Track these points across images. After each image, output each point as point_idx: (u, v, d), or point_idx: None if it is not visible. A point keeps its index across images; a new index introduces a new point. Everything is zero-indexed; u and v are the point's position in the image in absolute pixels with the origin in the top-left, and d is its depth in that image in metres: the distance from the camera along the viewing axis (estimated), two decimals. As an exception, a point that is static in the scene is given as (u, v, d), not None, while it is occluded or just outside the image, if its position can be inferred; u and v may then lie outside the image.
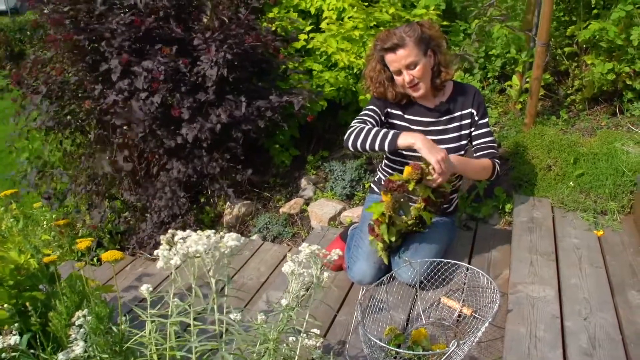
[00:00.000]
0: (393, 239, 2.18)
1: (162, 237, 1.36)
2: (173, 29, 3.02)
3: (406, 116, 2.35)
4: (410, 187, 2.05)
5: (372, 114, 2.32)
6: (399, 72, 2.20)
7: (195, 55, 3.04)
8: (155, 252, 1.38)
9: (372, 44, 2.28)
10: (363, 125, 2.20)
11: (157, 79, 2.86)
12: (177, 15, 3.12)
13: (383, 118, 2.35)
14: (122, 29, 2.90)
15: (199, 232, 1.39)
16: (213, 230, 1.39)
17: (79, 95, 3.17)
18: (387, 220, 2.15)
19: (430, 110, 2.34)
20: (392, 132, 2.10)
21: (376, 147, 2.10)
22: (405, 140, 2.05)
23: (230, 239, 1.37)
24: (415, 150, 2.06)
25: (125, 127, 3.07)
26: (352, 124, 2.24)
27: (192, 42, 3.03)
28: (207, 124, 2.93)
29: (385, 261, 2.25)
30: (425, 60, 2.18)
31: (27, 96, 3.18)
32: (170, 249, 1.33)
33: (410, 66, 2.16)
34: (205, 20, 3.06)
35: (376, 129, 2.15)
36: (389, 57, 2.19)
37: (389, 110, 2.36)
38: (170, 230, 1.39)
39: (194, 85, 3.01)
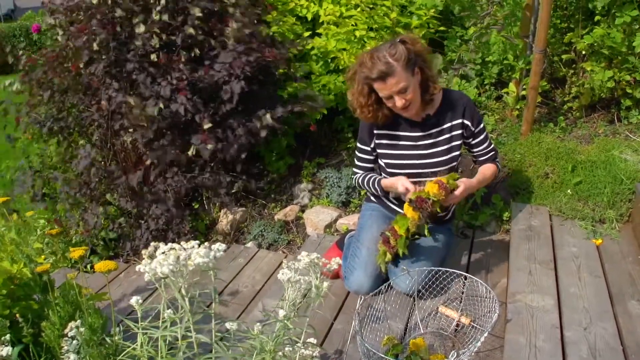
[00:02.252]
0: (407, 252, 2.17)
1: (143, 251, 1.30)
2: (196, 37, 3.04)
3: (392, 133, 2.28)
4: (437, 207, 2.06)
5: (363, 156, 2.40)
6: (390, 97, 2.09)
7: (209, 64, 3.04)
8: (137, 268, 1.31)
9: (355, 67, 2.14)
10: (359, 174, 2.44)
11: (183, 88, 2.90)
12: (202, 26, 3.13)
13: (374, 153, 2.36)
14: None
15: (182, 243, 1.32)
16: (197, 242, 1.32)
17: (88, 96, 3.15)
18: (409, 236, 2.14)
19: (418, 125, 2.25)
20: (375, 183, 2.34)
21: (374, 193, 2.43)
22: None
23: (198, 256, 1.29)
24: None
25: (130, 130, 3.03)
26: (354, 170, 2.49)
27: (210, 51, 3.06)
28: (234, 144, 3.01)
29: (383, 270, 2.23)
30: (414, 80, 2.07)
31: (33, 92, 3.14)
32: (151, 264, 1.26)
33: (401, 91, 2.05)
34: (229, 31, 3.04)
35: (366, 180, 2.39)
36: (378, 86, 2.07)
37: (375, 132, 2.29)
38: (152, 244, 1.32)
39: (211, 96, 3.02)
